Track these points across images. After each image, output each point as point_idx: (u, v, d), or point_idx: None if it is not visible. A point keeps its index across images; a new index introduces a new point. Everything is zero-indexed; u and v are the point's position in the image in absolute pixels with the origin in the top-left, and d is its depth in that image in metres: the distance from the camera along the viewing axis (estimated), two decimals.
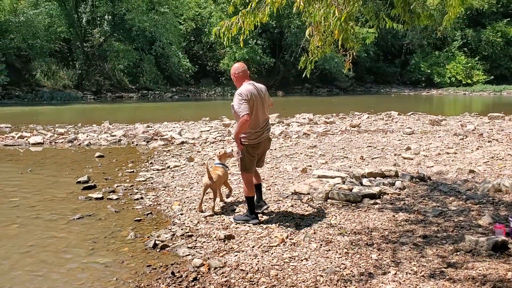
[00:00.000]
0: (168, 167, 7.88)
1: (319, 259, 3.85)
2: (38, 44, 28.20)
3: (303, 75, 5.19)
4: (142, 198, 6.00)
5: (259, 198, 5.19)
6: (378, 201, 5.46)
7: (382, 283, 3.39)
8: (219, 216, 5.11)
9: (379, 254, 3.90)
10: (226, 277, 3.60)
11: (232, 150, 5.85)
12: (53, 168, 8.23)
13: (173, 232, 4.63)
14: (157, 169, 7.73)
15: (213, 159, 5.82)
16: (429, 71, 42.91)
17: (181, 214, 5.24)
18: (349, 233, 4.44)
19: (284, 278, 3.55)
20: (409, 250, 3.97)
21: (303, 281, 3.48)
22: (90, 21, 32.14)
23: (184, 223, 4.91)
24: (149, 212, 5.37)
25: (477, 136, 10.92)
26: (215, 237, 4.44)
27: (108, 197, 6.05)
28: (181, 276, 3.65)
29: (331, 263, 3.77)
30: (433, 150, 8.99)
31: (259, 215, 4.98)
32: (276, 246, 4.18)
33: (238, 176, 6.34)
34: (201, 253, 4.09)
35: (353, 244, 4.16)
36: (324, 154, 8.76)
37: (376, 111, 18.34)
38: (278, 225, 4.72)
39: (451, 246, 4.02)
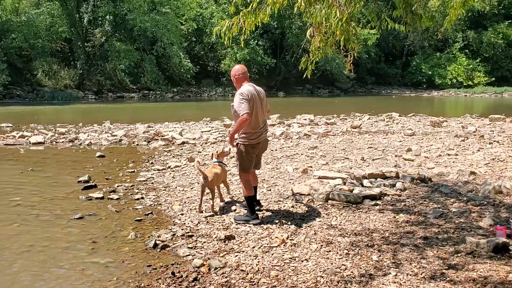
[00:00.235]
0: (169, 167, 7.88)
1: (320, 260, 3.85)
2: (39, 44, 28.23)
3: (304, 76, 5.19)
4: (142, 198, 6.00)
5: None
6: (378, 202, 5.45)
7: (383, 284, 3.39)
8: (219, 216, 5.11)
9: (380, 255, 3.89)
10: (226, 277, 3.60)
11: (230, 149, 5.85)
12: (53, 167, 8.24)
13: (174, 232, 4.62)
14: (158, 169, 7.73)
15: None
16: (430, 72, 42.88)
17: (182, 214, 5.24)
18: (350, 234, 4.44)
19: (284, 278, 3.54)
20: (410, 252, 3.97)
21: (304, 282, 3.47)
22: (91, 21, 32.17)
23: (184, 223, 4.90)
24: (150, 212, 5.36)
25: (478, 138, 10.91)
26: (216, 237, 4.44)
27: (108, 197, 6.06)
28: (182, 276, 3.65)
29: (332, 264, 3.77)
30: (434, 152, 8.98)
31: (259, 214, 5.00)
32: (276, 246, 4.17)
33: (239, 176, 6.34)
34: (201, 253, 4.09)
35: (354, 245, 4.15)
36: (325, 155, 8.75)
37: (377, 112, 18.32)
38: (278, 226, 4.72)
39: (452, 248, 4.01)
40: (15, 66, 27.19)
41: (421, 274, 3.52)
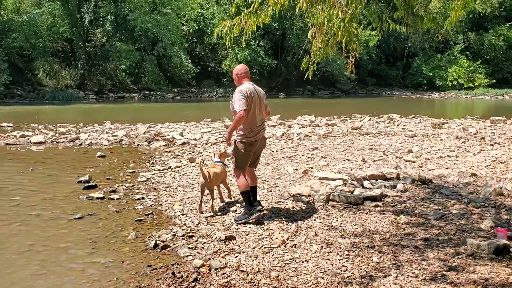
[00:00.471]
0: (170, 167, 7.88)
1: (320, 261, 3.84)
2: (40, 44, 28.27)
3: (305, 77, 5.20)
4: (143, 198, 5.99)
5: (254, 199, 5.22)
6: (379, 203, 5.44)
7: (383, 285, 3.38)
8: (220, 217, 5.10)
9: (380, 257, 3.89)
10: (226, 278, 3.59)
11: (225, 149, 5.86)
12: (54, 167, 8.24)
13: (174, 232, 4.62)
14: (159, 170, 7.73)
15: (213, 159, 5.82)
16: (431, 74, 42.89)
17: (182, 214, 5.24)
18: (350, 235, 4.43)
19: (285, 279, 3.54)
20: (410, 253, 3.96)
21: (304, 283, 3.47)
22: (92, 21, 32.20)
23: (185, 224, 4.90)
24: (150, 212, 5.36)
25: (479, 140, 10.90)
26: (216, 238, 4.44)
27: (109, 197, 6.05)
28: (182, 276, 3.65)
29: (332, 265, 3.76)
30: (434, 153, 8.97)
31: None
32: (277, 247, 4.17)
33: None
34: (201, 254, 4.08)
35: (354, 246, 4.15)
36: (326, 156, 8.75)
37: (377, 113, 18.33)
38: (279, 227, 4.71)
39: (453, 250, 4.01)
40: (16, 65, 27.22)
41: (421, 276, 3.51)
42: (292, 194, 5.84)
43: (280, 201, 5.63)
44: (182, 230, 4.69)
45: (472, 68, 42.90)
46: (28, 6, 30.43)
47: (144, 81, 32.73)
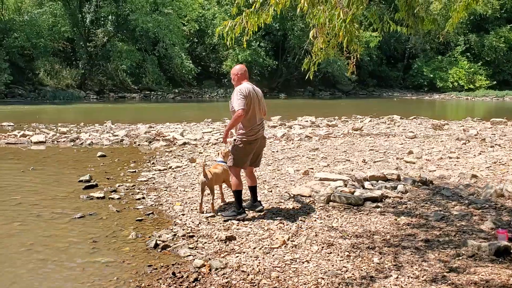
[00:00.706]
0: (170, 167, 7.88)
1: (321, 262, 3.84)
2: (41, 43, 28.26)
3: (306, 78, 5.21)
4: (143, 198, 6.00)
5: (254, 199, 5.26)
6: (380, 204, 5.44)
7: (384, 286, 3.38)
8: (220, 217, 5.09)
9: (381, 258, 3.89)
10: (227, 278, 3.59)
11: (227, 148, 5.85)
12: (55, 167, 8.24)
13: (175, 232, 4.62)
14: (159, 170, 7.73)
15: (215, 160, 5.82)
16: (431, 75, 42.84)
17: (183, 214, 5.24)
18: (351, 236, 4.43)
19: (285, 280, 3.54)
20: (411, 254, 3.96)
21: (304, 284, 3.47)
22: (94, 21, 32.19)
23: (185, 224, 4.90)
24: (151, 212, 5.36)
25: (479, 141, 10.89)
26: (216, 238, 4.43)
27: (109, 196, 6.05)
28: (182, 276, 3.65)
29: (333, 266, 3.76)
30: (435, 154, 8.97)
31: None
32: (277, 248, 4.17)
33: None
34: (202, 254, 4.08)
35: (355, 247, 4.15)
36: (326, 157, 8.75)
37: (378, 114, 18.32)
38: (279, 227, 4.71)
39: (453, 251, 4.01)
40: (17, 65, 27.22)
41: (422, 277, 3.51)
42: (292, 195, 5.84)
43: (281, 202, 5.63)
44: (183, 230, 4.69)
45: (472, 69, 42.85)
46: (29, 5, 30.42)
47: (145, 81, 32.71)
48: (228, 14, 31.77)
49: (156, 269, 3.82)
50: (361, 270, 3.65)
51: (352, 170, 7.40)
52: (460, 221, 4.83)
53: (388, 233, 4.52)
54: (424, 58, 44.56)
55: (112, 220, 5.12)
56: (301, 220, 4.94)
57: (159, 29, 30.63)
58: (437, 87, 42.67)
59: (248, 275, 3.63)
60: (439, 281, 3.44)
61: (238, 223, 4.85)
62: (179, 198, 5.92)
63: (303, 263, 3.84)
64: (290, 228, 4.67)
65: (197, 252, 4.14)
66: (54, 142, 10.94)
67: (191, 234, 4.58)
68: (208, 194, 5.38)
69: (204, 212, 5.23)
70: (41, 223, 5.07)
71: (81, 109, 22.97)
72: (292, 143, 10.66)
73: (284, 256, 3.98)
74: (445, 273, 3.56)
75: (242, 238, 4.43)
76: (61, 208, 5.56)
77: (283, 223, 4.82)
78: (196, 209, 5.36)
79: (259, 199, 5.38)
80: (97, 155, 9.10)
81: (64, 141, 11.04)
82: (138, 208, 5.55)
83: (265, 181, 6.72)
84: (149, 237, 4.55)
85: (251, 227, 4.73)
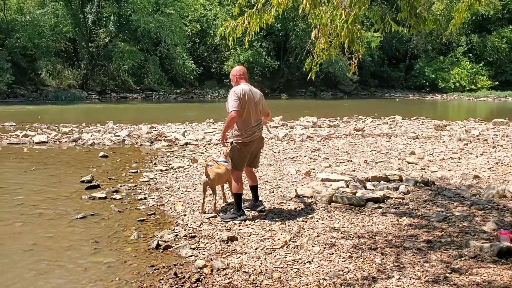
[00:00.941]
0: (172, 168, 7.89)
1: (322, 263, 3.84)
2: (43, 44, 28.31)
3: (307, 78, 5.20)
4: (145, 198, 6.00)
5: (255, 198, 5.25)
6: (382, 205, 5.44)
7: (386, 287, 3.37)
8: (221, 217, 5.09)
9: (383, 259, 3.88)
10: (229, 278, 3.59)
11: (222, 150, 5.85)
12: (57, 167, 8.25)
13: (176, 232, 4.62)
14: (161, 170, 7.74)
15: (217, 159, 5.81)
16: (433, 76, 42.81)
17: (184, 215, 5.24)
18: (353, 237, 4.43)
19: (287, 280, 3.53)
20: (413, 255, 3.95)
21: (306, 284, 3.46)
22: (96, 22, 32.26)
23: (187, 224, 4.90)
24: (153, 212, 5.36)
25: (481, 142, 10.88)
26: (218, 238, 4.43)
27: (111, 197, 6.06)
28: (184, 277, 3.65)
29: (335, 266, 3.76)
30: (437, 155, 8.96)
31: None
32: (279, 248, 4.17)
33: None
34: (204, 254, 4.08)
35: (357, 248, 4.14)
36: (328, 158, 8.74)
37: (380, 115, 18.31)
38: (281, 228, 4.71)
39: (455, 252, 4.00)
40: (19, 65, 27.27)
41: (424, 278, 3.50)
42: (294, 195, 5.84)
43: (282, 202, 5.63)
44: (184, 230, 4.69)
45: (474, 70, 42.81)
46: (32, 6, 30.48)
47: (146, 81, 32.75)
48: (230, 15, 31.79)
49: (158, 269, 3.82)
50: (363, 271, 3.65)
51: (354, 171, 7.39)
52: (462, 222, 4.82)
53: (390, 234, 4.52)
54: (426, 58, 44.53)
55: (114, 221, 5.12)
56: (303, 220, 4.94)
57: (161, 29, 30.66)
58: (439, 88, 42.64)
59: (250, 275, 3.63)
60: (441, 282, 3.43)
61: (240, 223, 4.85)
62: (181, 198, 5.93)
63: (305, 263, 3.84)
64: (292, 229, 4.66)
65: (199, 252, 4.14)
66: (56, 142, 10.96)
67: (193, 234, 4.58)
68: (210, 194, 5.38)
69: (206, 212, 5.23)
70: (43, 223, 5.08)
71: (83, 109, 23.00)
72: (294, 144, 10.66)
73: (286, 257, 3.97)
74: (447, 274, 3.55)
75: (244, 239, 4.43)
76: (63, 208, 5.57)
77: (285, 224, 4.82)
78: (198, 209, 5.36)
79: (260, 199, 5.37)
80: (99, 156, 9.11)
81: (66, 141, 11.06)
82: (140, 209, 5.55)
83: (267, 181, 6.72)
84: (151, 237, 4.55)
85: (252, 228, 4.72)
